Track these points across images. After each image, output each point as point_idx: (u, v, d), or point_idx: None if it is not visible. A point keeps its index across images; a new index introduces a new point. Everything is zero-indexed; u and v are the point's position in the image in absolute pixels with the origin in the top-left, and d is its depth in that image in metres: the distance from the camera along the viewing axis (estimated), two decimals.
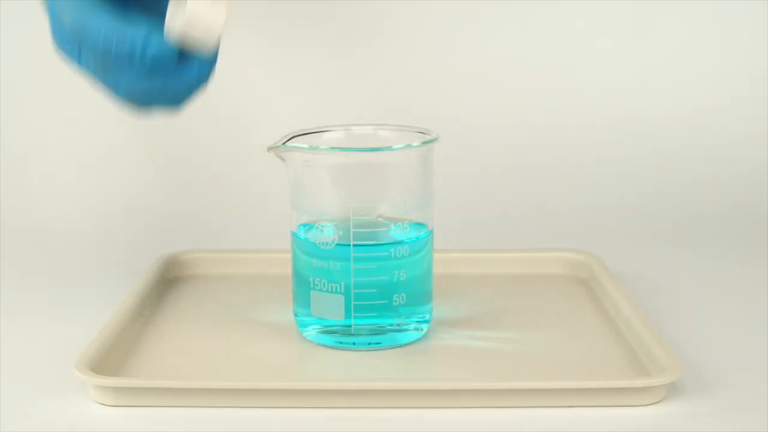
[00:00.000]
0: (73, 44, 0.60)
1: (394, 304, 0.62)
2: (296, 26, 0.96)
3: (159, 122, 0.95)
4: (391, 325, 0.63)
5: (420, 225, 0.63)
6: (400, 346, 0.63)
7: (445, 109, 0.96)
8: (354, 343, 0.63)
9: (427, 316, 0.65)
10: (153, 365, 0.61)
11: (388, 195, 0.62)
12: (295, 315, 0.65)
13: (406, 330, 0.63)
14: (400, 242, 0.62)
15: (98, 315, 0.68)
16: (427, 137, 0.63)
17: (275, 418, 0.56)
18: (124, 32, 0.58)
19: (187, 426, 0.55)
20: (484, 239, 0.86)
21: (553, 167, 0.95)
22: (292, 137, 0.63)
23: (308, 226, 0.62)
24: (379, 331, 0.63)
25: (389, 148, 0.61)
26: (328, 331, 0.63)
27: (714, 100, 0.97)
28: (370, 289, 0.62)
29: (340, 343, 0.63)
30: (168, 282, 0.75)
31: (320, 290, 0.62)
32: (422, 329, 0.64)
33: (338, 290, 0.61)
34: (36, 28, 0.95)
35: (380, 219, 0.62)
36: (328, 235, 0.61)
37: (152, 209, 0.91)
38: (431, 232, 0.64)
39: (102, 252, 0.85)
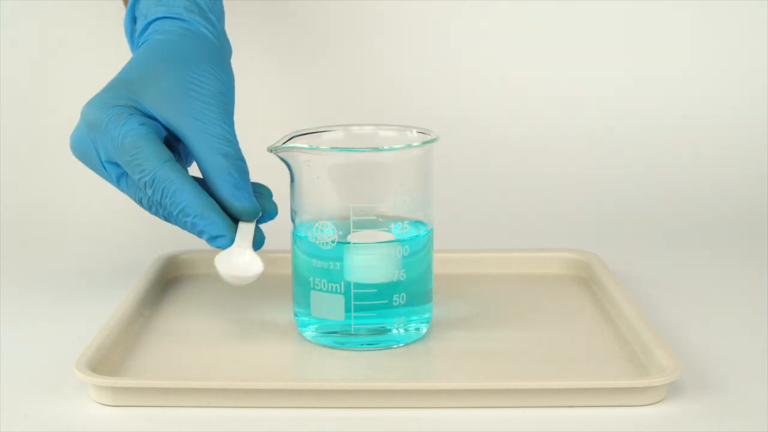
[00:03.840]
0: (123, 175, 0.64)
1: (394, 304, 0.62)
2: (297, 26, 0.96)
3: None
4: (391, 325, 0.63)
5: (420, 224, 0.63)
6: (400, 346, 0.63)
7: (445, 109, 0.96)
8: (354, 343, 0.62)
9: (427, 316, 0.65)
10: (153, 365, 0.61)
11: (388, 195, 0.62)
12: (295, 315, 0.65)
13: (406, 330, 0.63)
14: (400, 242, 0.62)
15: (98, 315, 0.68)
16: (427, 137, 0.63)
17: (275, 418, 0.56)
18: (206, 216, 0.61)
19: (187, 426, 0.55)
20: (484, 239, 0.86)
21: (554, 167, 0.95)
22: (292, 137, 0.63)
23: (308, 225, 0.62)
24: (379, 331, 0.63)
25: (389, 148, 0.61)
26: (328, 331, 0.63)
27: (714, 101, 0.97)
28: (370, 289, 0.62)
29: (340, 343, 0.63)
30: (168, 282, 0.75)
31: (320, 290, 0.62)
32: (422, 329, 0.64)
33: (338, 290, 0.61)
34: (36, 29, 0.95)
35: (380, 219, 0.62)
36: (328, 234, 0.61)
37: None
38: (431, 231, 0.64)
39: (102, 252, 0.85)
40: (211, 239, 0.61)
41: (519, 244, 0.82)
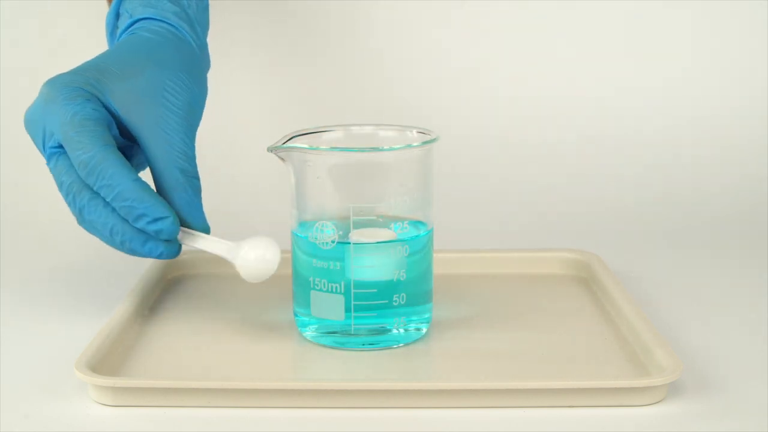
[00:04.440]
0: (60, 155, 0.62)
1: (394, 304, 0.62)
2: (297, 26, 0.96)
3: None
4: (391, 325, 0.63)
5: (420, 224, 0.63)
6: (400, 346, 0.63)
7: (445, 109, 0.96)
8: (354, 343, 0.62)
9: (427, 316, 0.65)
10: (153, 365, 0.61)
11: (388, 195, 0.62)
12: (295, 315, 0.65)
13: (406, 330, 0.63)
14: (400, 241, 0.62)
15: (98, 315, 0.68)
16: (427, 137, 0.63)
17: (275, 418, 0.56)
18: (147, 199, 0.60)
19: (187, 426, 0.55)
20: (484, 239, 0.86)
21: (554, 167, 0.95)
22: (292, 137, 0.63)
23: (308, 225, 0.62)
24: (379, 331, 0.63)
25: (389, 148, 0.61)
26: (328, 331, 0.63)
27: (714, 101, 0.97)
28: (370, 289, 0.62)
29: (340, 343, 0.63)
30: (168, 282, 0.75)
31: (320, 290, 0.62)
32: (422, 329, 0.64)
33: (338, 290, 0.61)
34: (36, 29, 0.95)
35: (380, 219, 0.62)
36: (329, 234, 0.61)
37: None
38: (431, 231, 0.64)
39: (102, 252, 0.84)
40: (153, 221, 0.60)
41: (519, 244, 0.82)
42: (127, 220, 0.61)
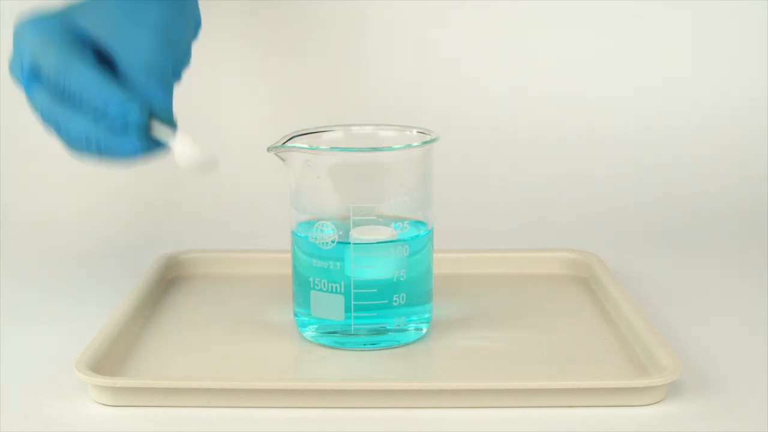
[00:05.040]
0: (35, 76, 0.62)
1: (394, 304, 0.62)
2: (296, 26, 0.96)
3: None
4: (391, 325, 0.63)
5: (420, 224, 0.63)
6: (400, 346, 0.63)
7: (445, 109, 0.96)
8: (354, 343, 0.63)
9: (427, 316, 0.65)
10: (153, 365, 0.61)
11: (388, 195, 0.62)
12: (295, 315, 0.65)
13: (406, 330, 0.63)
14: (400, 241, 0.62)
15: (98, 315, 0.68)
16: (427, 137, 0.63)
17: (275, 418, 0.56)
18: (112, 90, 0.59)
19: (187, 426, 0.55)
20: (484, 239, 0.86)
21: (554, 167, 0.95)
22: (292, 137, 0.63)
23: (308, 225, 0.62)
24: (379, 331, 0.63)
25: (389, 148, 0.61)
26: (327, 331, 0.63)
27: (714, 101, 0.97)
28: (370, 289, 0.62)
29: (340, 343, 0.63)
30: (168, 282, 0.75)
31: (320, 290, 0.62)
32: (422, 329, 0.64)
33: (338, 290, 0.61)
34: None
35: (380, 219, 0.62)
36: (329, 234, 0.61)
37: (152, 209, 0.91)
38: (431, 231, 0.64)
39: (102, 252, 0.85)
40: (119, 104, 0.59)
41: (519, 244, 0.82)
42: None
